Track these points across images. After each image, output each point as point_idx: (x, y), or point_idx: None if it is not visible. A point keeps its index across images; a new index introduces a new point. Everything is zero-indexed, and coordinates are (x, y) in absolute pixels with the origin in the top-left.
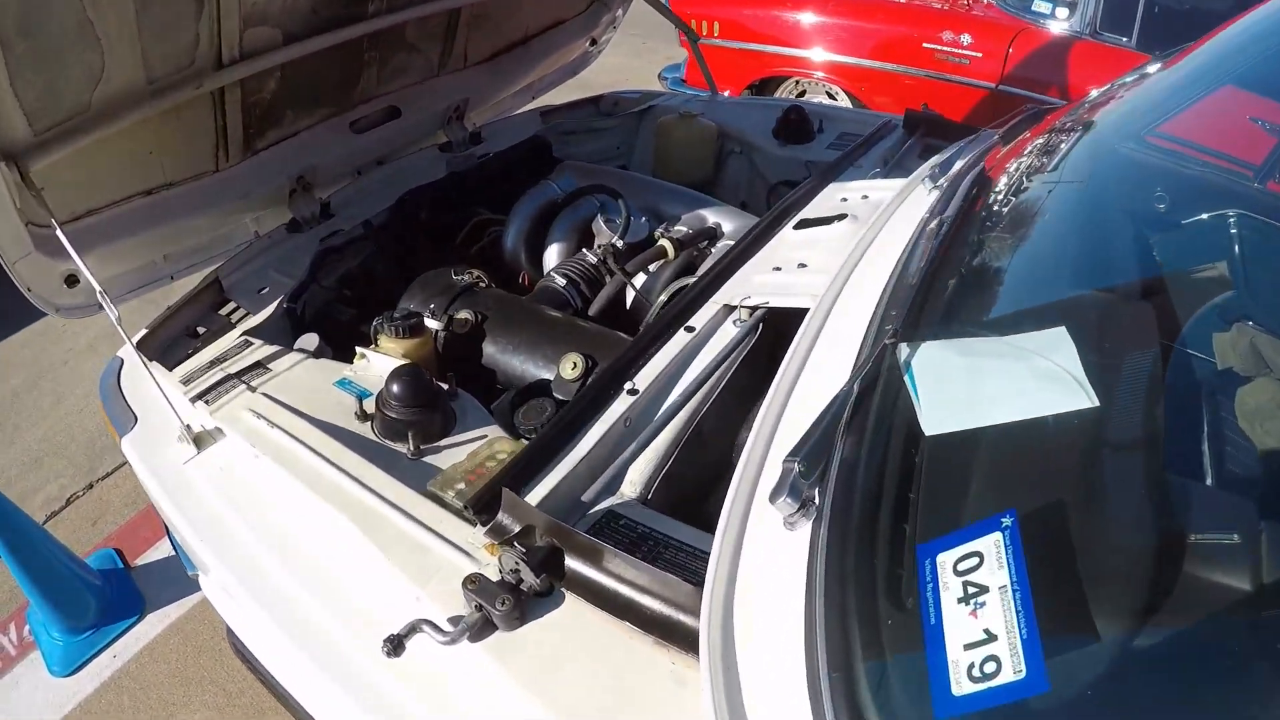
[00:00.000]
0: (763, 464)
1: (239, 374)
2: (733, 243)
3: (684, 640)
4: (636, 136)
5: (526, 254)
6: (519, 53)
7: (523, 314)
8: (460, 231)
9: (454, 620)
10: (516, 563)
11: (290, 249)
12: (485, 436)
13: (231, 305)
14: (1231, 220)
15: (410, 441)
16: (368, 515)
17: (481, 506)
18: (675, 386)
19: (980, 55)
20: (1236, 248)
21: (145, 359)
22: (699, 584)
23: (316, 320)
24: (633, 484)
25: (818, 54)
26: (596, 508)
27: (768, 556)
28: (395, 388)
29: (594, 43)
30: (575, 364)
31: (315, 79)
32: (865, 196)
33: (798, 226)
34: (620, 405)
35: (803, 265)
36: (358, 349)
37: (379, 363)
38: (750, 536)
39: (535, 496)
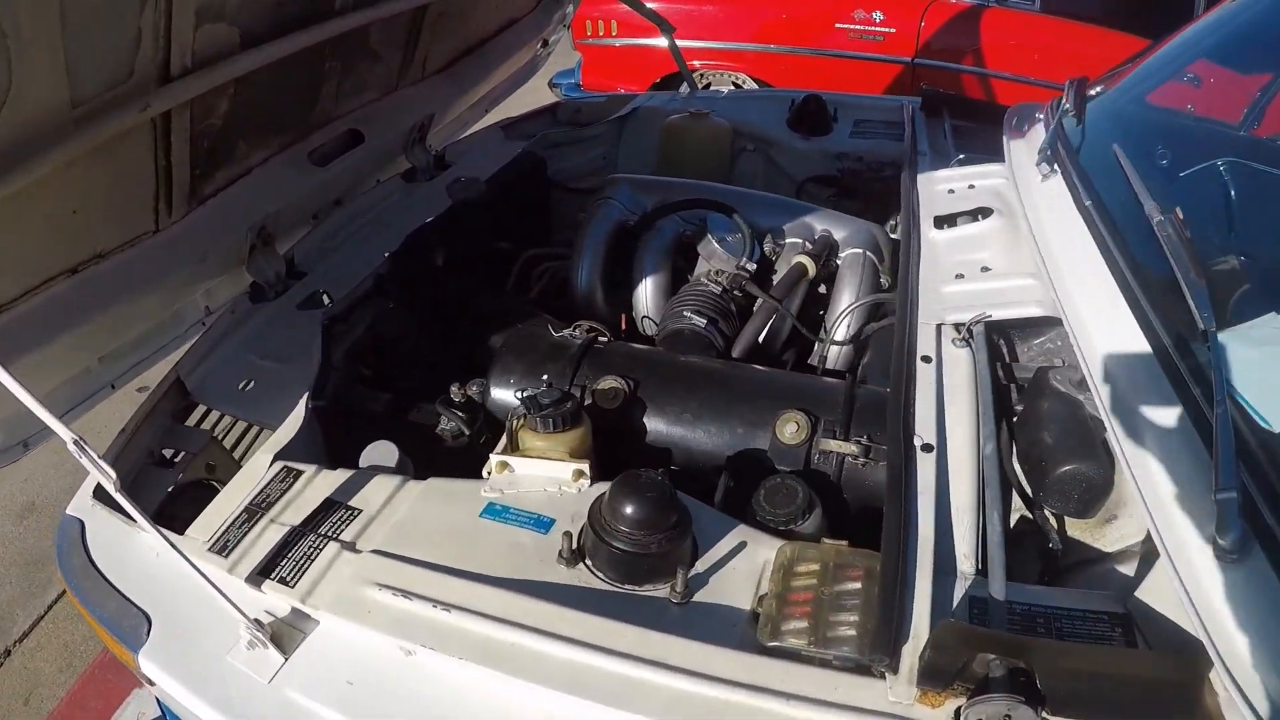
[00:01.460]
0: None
1: (312, 526)
2: (861, 250)
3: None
4: (619, 144)
5: (604, 292)
6: (476, 59)
7: (686, 372)
8: (499, 271)
9: None
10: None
11: (261, 324)
12: (741, 544)
13: (201, 411)
14: None
15: (677, 581)
16: (680, 708)
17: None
18: (952, 426)
19: (894, 31)
20: None
21: (172, 540)
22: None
23: (340, 415)
24: (965, 557)
25: (725, 44)
26: (957, 601)
27: (1225, 598)
28: (632, 508)
29: (545, 44)
30: (797, 424)
31: (272, 98)
32: (972, 186)
33: (938, 226)
34: (927, 468)
35: (986, 269)
36: (492, 458)
37: (532, 471)
38: (1193, 583)
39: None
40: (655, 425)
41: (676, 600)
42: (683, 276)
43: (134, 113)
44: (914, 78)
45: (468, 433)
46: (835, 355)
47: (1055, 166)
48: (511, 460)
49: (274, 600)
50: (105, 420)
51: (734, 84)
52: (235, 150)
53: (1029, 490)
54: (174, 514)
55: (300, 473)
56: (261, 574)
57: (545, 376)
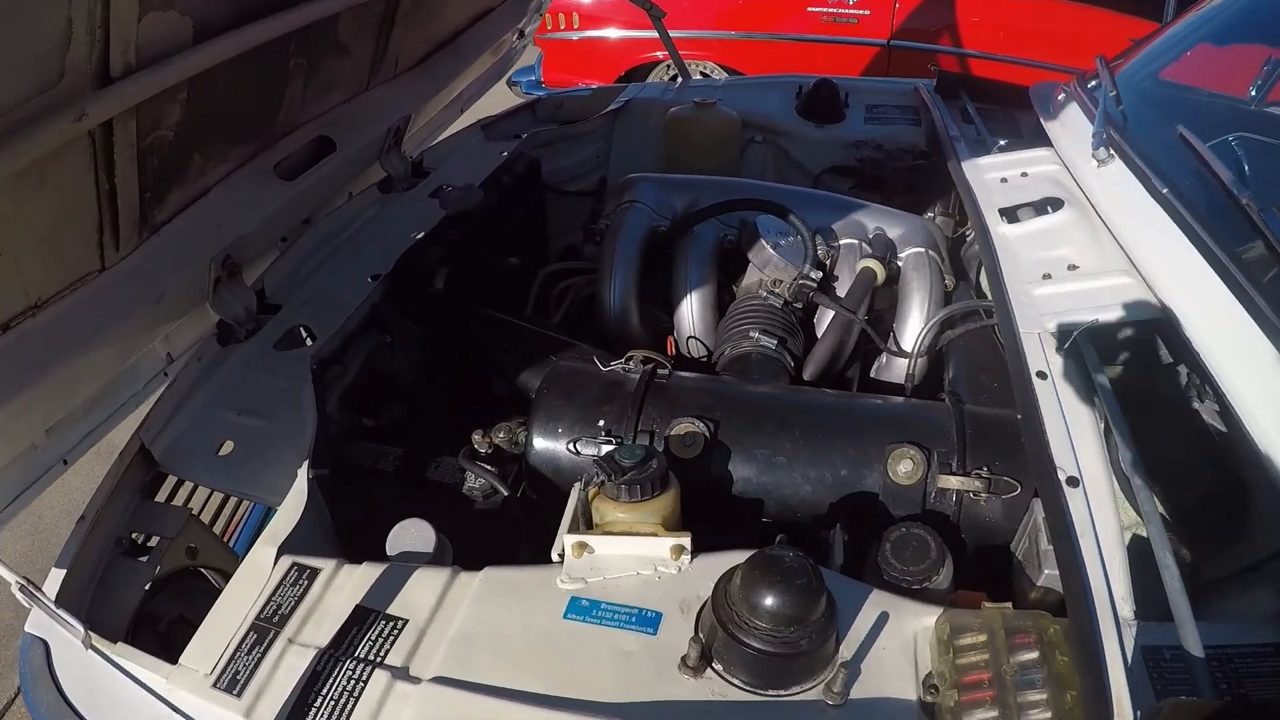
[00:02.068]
0: None
1: (346, 648)
2: (924, 250)
3: None
4: (612, 140)
5: (639, 310)
6: (450, 53)
7: (773, 407)
8: (511, 292)
9: None
10: None
11: (233, 371)
12: (882, 615)
13: (173, 483)
14: None
15: (834, 679)
16: None
17: None
18: (1082, 452)
19: (868, 13)
20: None
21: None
22: None
23: (344, 479)
24: (1123, 600)
25: (691, 32)
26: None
27: None
28: (775, 600)
29: (521, 35)
30: (912, 461)
31: (231, 102)
32: (1025, 174)
33: (1008, 220)
34: (1077, 505)
35: (1074, 267)
36: (567, 539)
37: (619, 551)
38: None
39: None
40: (743, 472)
41: (834, 702)
42: (725, 289)
43: (67, 123)
44: (890, 61)
45: (503, 491)
46: (909, 368)
47: (1112, 152)
48: (591, 540)
49: None
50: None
51: (702, 73)
52: (190, 166)
53: (1164, 513)
54: (157, 615)
55: (315, 571)
56: (301, 714)
57: (602, 423)
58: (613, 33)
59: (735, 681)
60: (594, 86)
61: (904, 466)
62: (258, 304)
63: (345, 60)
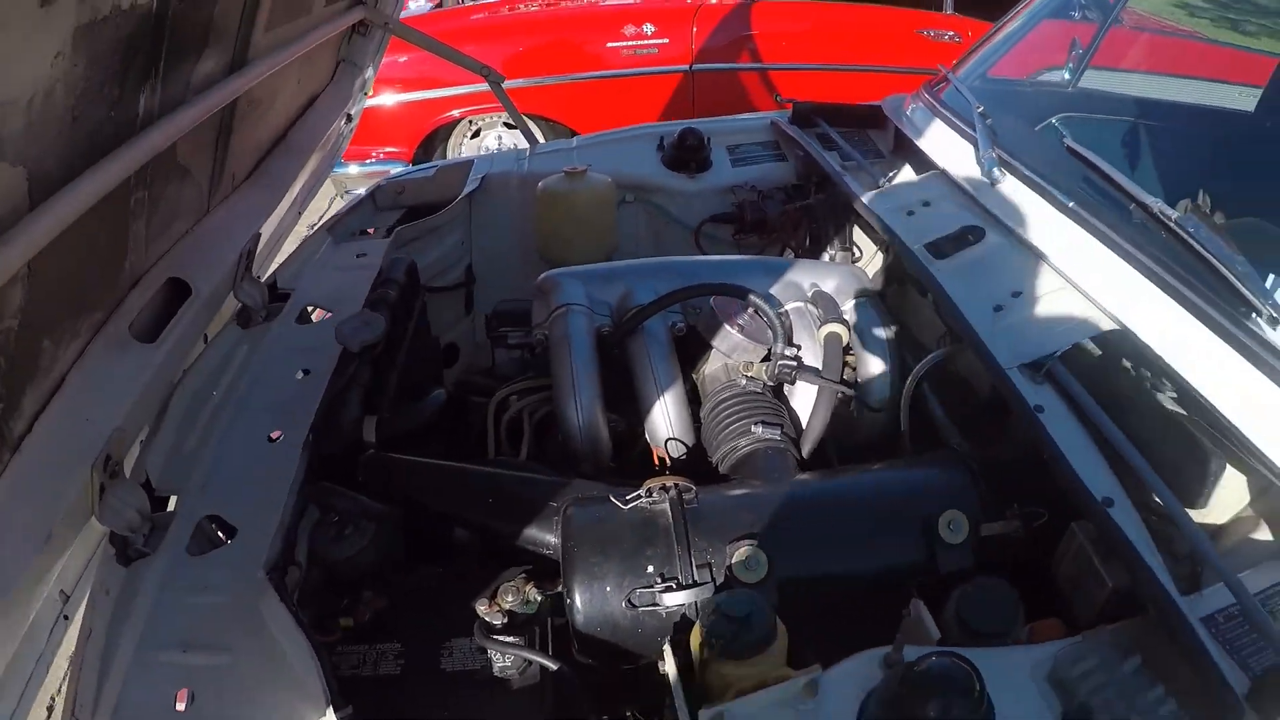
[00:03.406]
0: None
1: None
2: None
3: None
4: (470, 224)
5: (606, 425)
6: (282, 153)
7: (813, 507)
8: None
9: None
10: None
11: (153, 596)
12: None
13: None
14: None
15: None
16: None
17: None
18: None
19: (667, 41)
20: None
21: None
22: None
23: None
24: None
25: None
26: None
27: None
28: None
29: (349, 119)
30: (959, 520)
31: (74, 262)
32: (927, 204)
33: (936, 256)
34: (1122, 519)
35: (1017, 293)
36: (704, 716)
37: (757, 709)
38: None
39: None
40: (804, 575)
41: None
42: (684, 379)
43: None
44: (694, 84)
45: (552, 666)
46: (902, 424)
47: (1003, 173)
48: (726, 709)
49: None
50: None
51: (505, 124)
52: (40, 357)
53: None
54: None
55: None
56: None
57: (650, 569)
58: (411, 96)
59: None
60: (435, 164)
61: (951, 525)
62: (152, 505)
63: (186, 184)
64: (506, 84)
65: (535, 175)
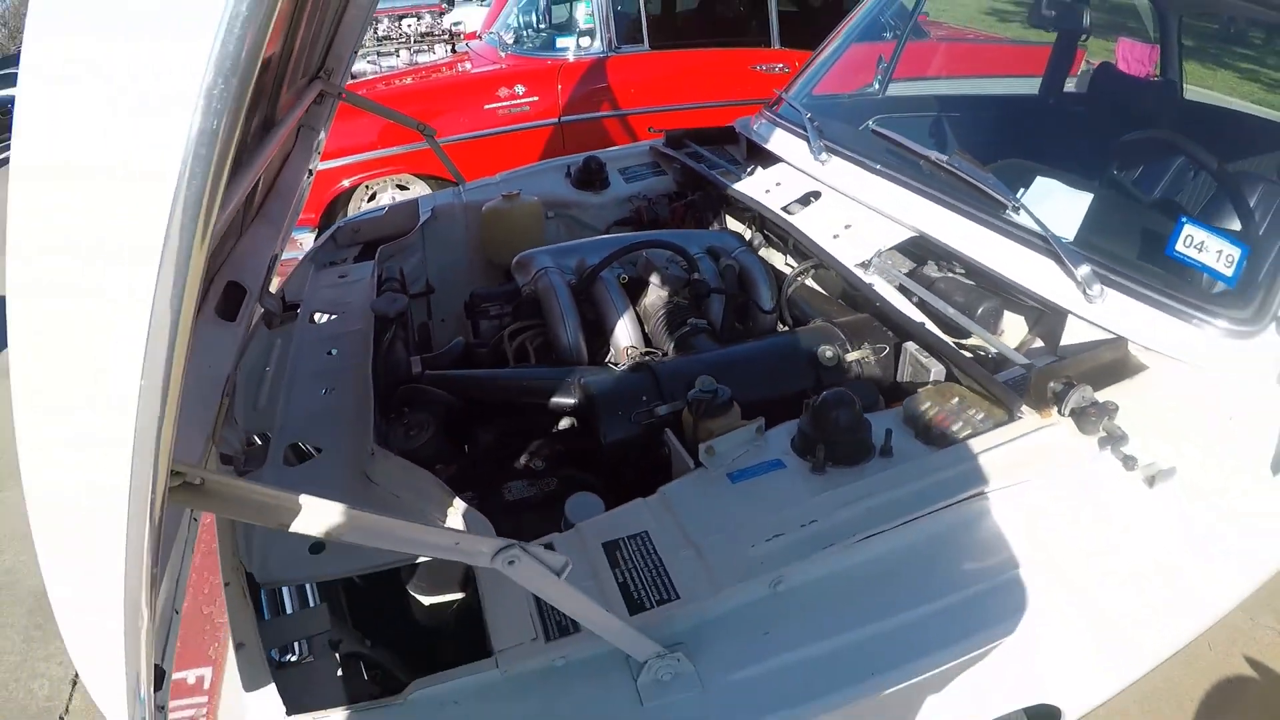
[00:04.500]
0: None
1: None
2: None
3: None
4: (424, 246)
5: (586, 341)
6: (274, 196)
7: (742, 354)
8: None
9: None
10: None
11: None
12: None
13: None
14: None
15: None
16: None
17: None
18: (913, 311)
19: (537, 99)
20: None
21: None
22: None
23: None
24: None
25: (383, 150)
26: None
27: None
28: (841, 414)
29: (310, 174)
30: (831, 349)
31: None
32: (779, 184)
33: (788, 213)
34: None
35: (849, 226)
36: (700, 447)
37: (730, 446)
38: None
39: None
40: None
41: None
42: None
43: None
44: (564, 135)
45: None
46: (780, 315)
47: (829, 155)
48: (712, 443)
49: None
50: None
51: (397, 186)
52: None
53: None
54: None
55: None
56: None
57: (645, 398)
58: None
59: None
60: (384, 206)
61: (828, 353)
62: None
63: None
64: (394, 150)
65: (474, 203)
